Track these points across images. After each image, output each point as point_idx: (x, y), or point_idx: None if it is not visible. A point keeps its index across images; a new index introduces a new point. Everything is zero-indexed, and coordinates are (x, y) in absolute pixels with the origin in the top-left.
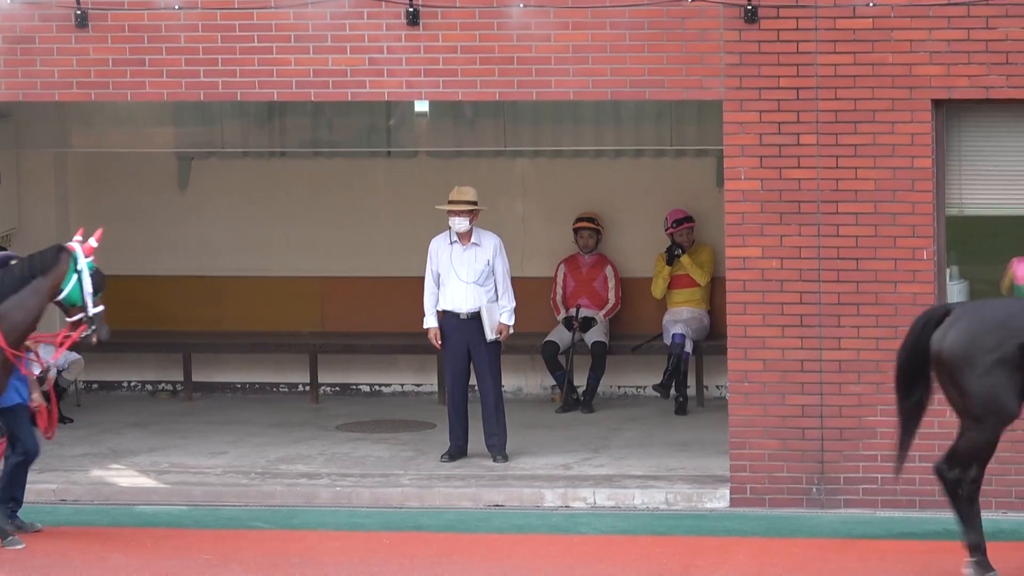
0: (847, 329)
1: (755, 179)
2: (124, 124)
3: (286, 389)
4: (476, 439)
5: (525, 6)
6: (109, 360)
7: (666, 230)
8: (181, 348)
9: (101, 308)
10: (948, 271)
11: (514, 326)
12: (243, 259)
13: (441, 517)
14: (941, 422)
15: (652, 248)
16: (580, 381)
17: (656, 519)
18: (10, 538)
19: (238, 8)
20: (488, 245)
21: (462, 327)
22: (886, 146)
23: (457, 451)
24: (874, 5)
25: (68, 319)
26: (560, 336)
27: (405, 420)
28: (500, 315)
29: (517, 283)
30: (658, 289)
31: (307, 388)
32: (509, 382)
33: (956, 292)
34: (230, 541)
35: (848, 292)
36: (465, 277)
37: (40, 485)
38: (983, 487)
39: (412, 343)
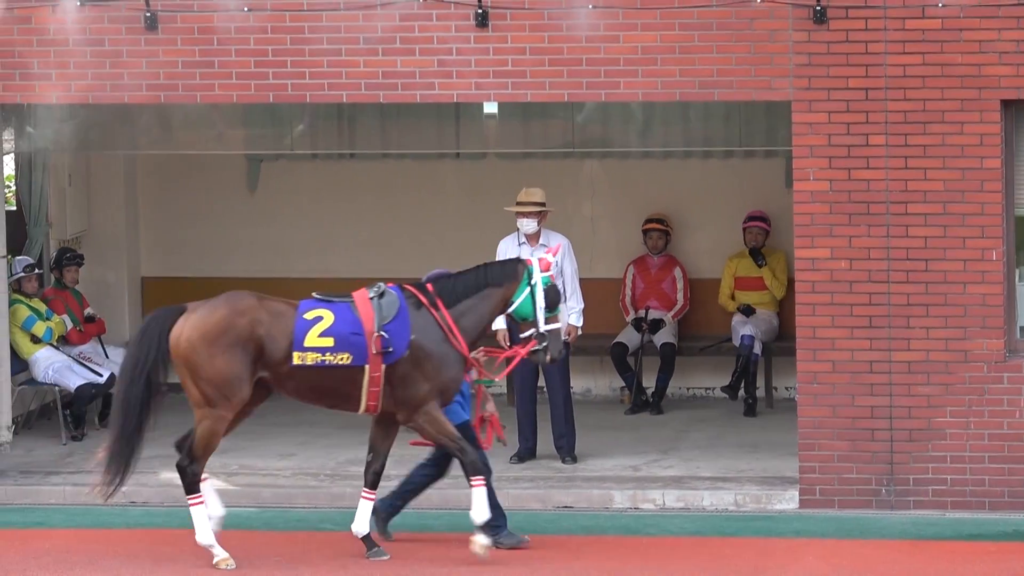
0: (916, 330)
1: (824, 180)
2: (193, 126)
3: None
4: (545, 440)
5: (594, 7)
6: None
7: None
8: None
9: (556, 325)
10: (1017, 271)
11: (583, 327)
12: (312, 261)
13: (510, 518)
14: (1010, 423)
15: (721, 249)
16: (649, 382)
17: (725, 520)
18: (376, 550)
19: (307, 10)
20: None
21: None
22: (955, 147)
23: (526, 452)
24: (943, 6)
25: (520, 334)
26: (629, 337)
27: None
28: (569, 316)
29: (585, 284)
30: (724, 297)
31: None
32: (578, 383)
33: None
34: (300, 543)
35: (917, 293)
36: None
37: None
38: (1020, 488)
39: (481, 344)
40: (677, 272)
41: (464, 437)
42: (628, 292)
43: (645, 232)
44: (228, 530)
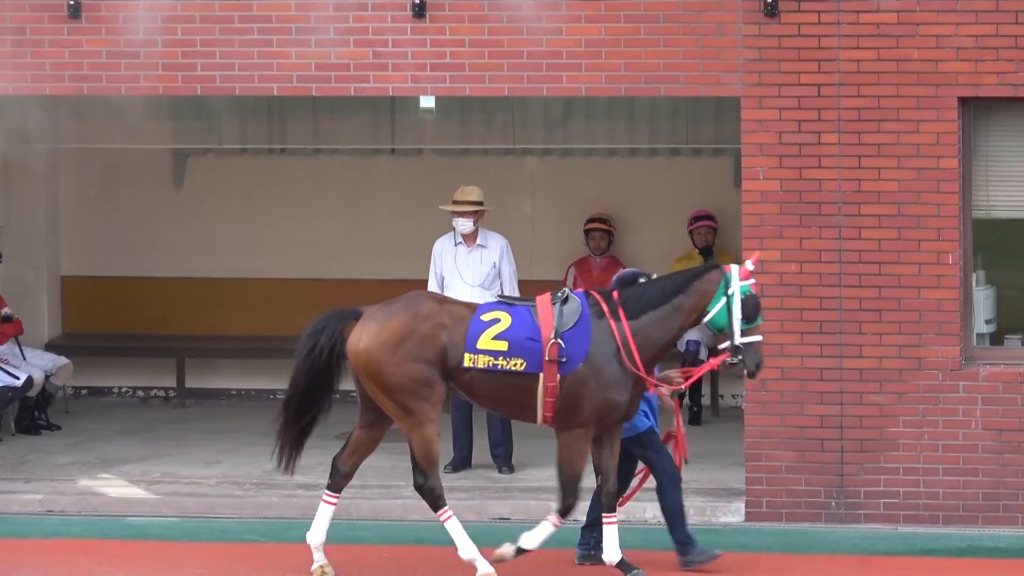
0: (869, 336)
1: (774, 179)
2: (118, 119)
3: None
4: (481, 449)
5: None
6: (99, 365)
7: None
8: (174, 352)
9: (755, 338)
10: (975, 276)
11: None
12: (240, 260)
13: (444, 531)
14: (966, 433)
15: (667, 250)
16: None
17: (668, 534)
18: (635, 571)
19: None
20: (494, 247)
21: None
22: (910, 146)
23: (461, 462)
24: None
25: (718, 345)
26: None
27: None
28: None
29: (525, 286)
30: None
31: None
32: None
33: (982, 298)
34: (224, 555)
35: (870, 298)
36: (470, 280)
37: (25, 496)
38: (974, 502)
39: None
40: None
41: (653, 443)
42: None
43: (587, 232)
44: (148, 540)
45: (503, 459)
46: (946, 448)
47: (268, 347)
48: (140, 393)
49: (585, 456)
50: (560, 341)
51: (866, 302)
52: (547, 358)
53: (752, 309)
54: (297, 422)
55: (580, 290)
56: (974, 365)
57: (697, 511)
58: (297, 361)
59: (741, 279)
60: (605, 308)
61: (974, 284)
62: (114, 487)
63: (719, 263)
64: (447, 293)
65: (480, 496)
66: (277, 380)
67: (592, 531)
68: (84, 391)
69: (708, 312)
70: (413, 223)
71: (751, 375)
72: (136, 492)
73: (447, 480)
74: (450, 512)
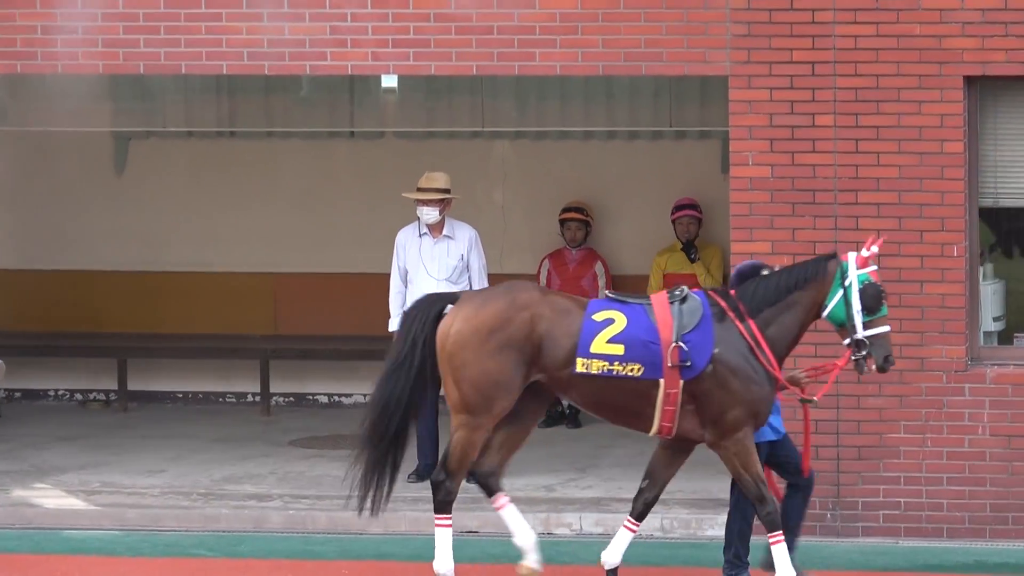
0: None
1: (764, 165)
2: (54, 100)
3: (233, 399)
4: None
5: None
6: (33, 365)
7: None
8: (115, 352)
9: (880, 330)
10: (981, 270)
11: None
12: (186, 252)
13: (407, 544)
14: (972, 440)
15: (648, 242)
16: None
17: (650, 548)
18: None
19: None
20: (462, 238)
21: None
22: (912, 128)
23: (426, 470)
24: None
25: (843, 341)
26: None
27: None
28: None
29: (495, 281)
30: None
31: (257, 398)
32: None
33: (990, 293)
34: (169, 570)
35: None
36: (436, 274)
37: None
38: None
39: (376, 348)
40: (598, 268)
41: (785, 450)
42: None
43: (562, 222)
44: (86, 555)
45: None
46: (951, 455)
47: (217, 347)
48: (78, 396)
49: (754, 456)
50: (683, 344)
51: None
52: (669, 363)
53: (872, 299)
54: (388, 434)
55: (698, 290)
56: (981, 366)
57: (681, 524)
58: (388, 359)
59: (858, 267)
60: (726, 307)
61: (981, 278)
62: (50, 498)
63: (835, 254)
64: (411, 288)
65: None
66: (227, 382)
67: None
68: (17, 394)
69: (827, 307)
70: (374, 212)
71: (881, 370)
72: (74, 503)
73: (411, 490)
74: (449, 522)
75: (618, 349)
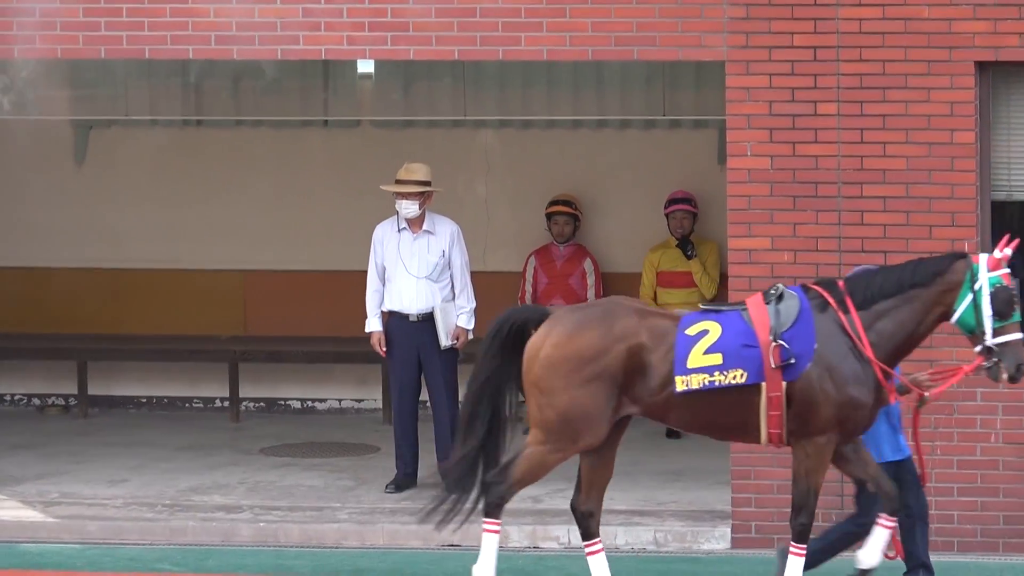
0: None
1: (764, 156)
2: (9, 86)
3: (200, 404)
4: (428, 465)
5: None
6: None
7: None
8: (75, 354)
9: (1012, 337)
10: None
11: (474, 330)
12: (150, 248)
13: (385, 559)
14: (985, 448)
15: (640, 237)
16: None
17: (642, 563)
18: None
19: None
20: (443, 233)
21: (411, 331)
22: (920, 117)
23: (405, 480)
24: None
25: (974, 348)
26: None
27: (343, 443)
28: (457, 317)
29: (478, 279)
30: (644, 297)
31: (226, 403)
32: None
33: None
34: None
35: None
36: (416, 271)
37: None
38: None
39: (352, 350)
40: (587, 265)
41: (903, 472)
42: (529, 288)
43: (549, 216)
44: (44, 571)
45: None
46: (962, 464)
47: (183, 348)
48: (35, 401)
49: (825, 470)
50: (782, 342)
51: None
52: (772, 365)
53: (1005, 304)
54: (473, 445)
55: (796, 285)
56: None
57: (676, 537)
58: (476, 371)
59: (990, 269)
60: (830, 299)
61: None
62: (6, 509)
63: (965, 253)
64: (389, 286)
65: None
66: (193, 387)
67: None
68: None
69: (955, 311)
70: (350, 206)
71: (1012, 380)
72: (31, 515)
73: (389, 501)
74: (497, 528)
75: (716, 359)
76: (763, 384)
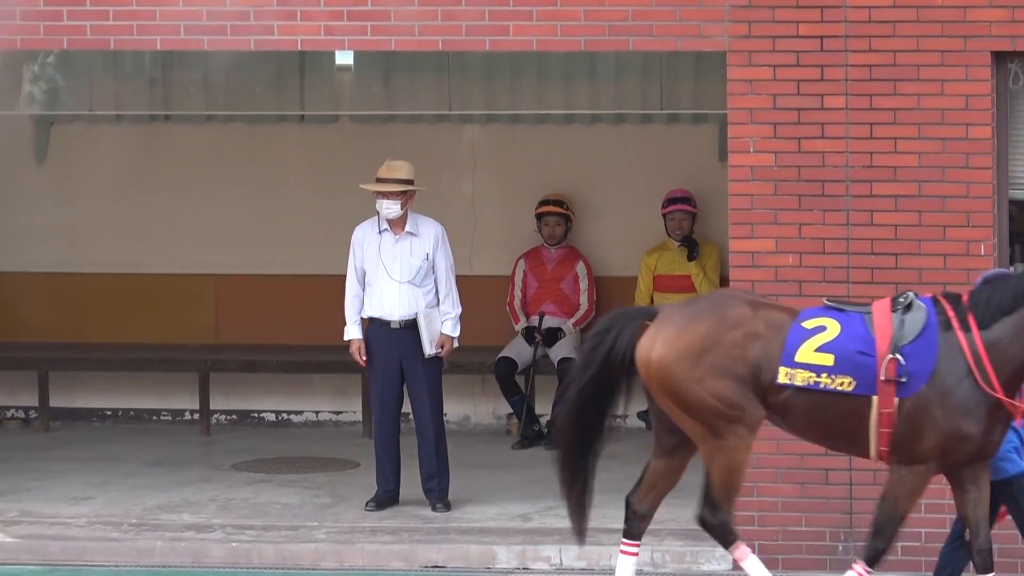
0: None
1: (767, 152)
2: None
3: (169, 417)
4: (411, 482)
5: None
6: None
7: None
8: (35, 364)
9: None
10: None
11: (459, 338)
12: (115, 251)
13: None
14: None
15: (636, 239)
16: (544, 409)
17: None
18: None
19: None
20: (427, 235)
21: (393, 339)
22: (934, 111)
23: (386, 497)
24: None
25: None
26: (519, 351)
27: (320, 458)
28: (442, 324)
29: (464, 283)
30: (641, 302)
31: (196, 416)
32: (453, 410)
33: None
34: None
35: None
36: (398, 276)
37: None
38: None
39: (330, 359)
40: (580, 268)
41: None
42: (518, 293)
43: (539, 217)
44: None
45: (437, 494)
46: None
47: (150, 358)
48: None
49: (917, 498)
50: (899, 357)
51: None
52: (882, 377)
53: None
54: (574, 454)
55: (927, 295)
56: None
57: (674, 558)
58: (575, 373)
59: None
60: (953, 316)
61: None
62: None
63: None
64: (369, 291)
65: (409, 539)
66: (162, 398)
67: None
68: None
69: None
70: (328, 206)
71: None
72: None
73: (369, 520)
74: (745, 547)
75: (827, 359)
76: (874, 398)
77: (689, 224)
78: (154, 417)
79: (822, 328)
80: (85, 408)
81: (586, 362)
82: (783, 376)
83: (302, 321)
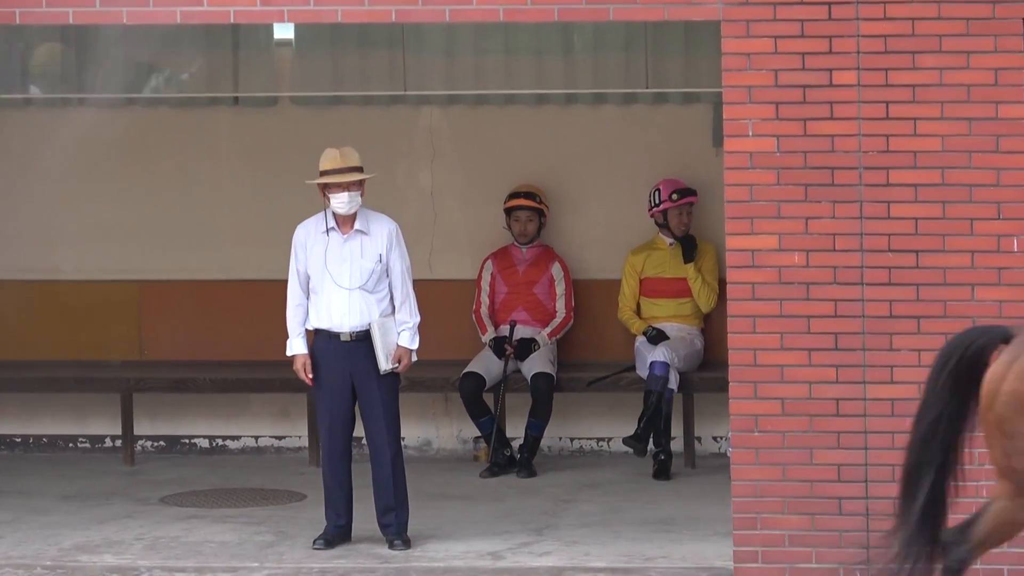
0: (903, 354)
1: (768, 136)
2: None
3: (87, 444)
4: (365, 516)
5: None
6: None
7: (653, 208)
8: None
9: None
10: None
11: (419, 351)
12: (22, 255)
13: None
14: None
15: (620, 237)
16: (516, 432)
17: None
18: None
19: None
20: (379, 234)
21: (343, 354)
22: (958, 87)
23: (336, 533)
24: None
25: None
26: (487, 366)
27: (261, 489)
28: (398, 336)
29: (423, 289)
30: (625, 309)
31: (118, 443)
32: (412, 433)
33: None
34: None
35: (904, 300)
36: (347, 281)
37: None
38: None
39: (271, 377)
40: (556, 270)
41: None
42: (485, 300)
43: (509, 212)
44: None
45: (395, 530)
46: None
47: (65, 376)
48: None
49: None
50: None
51: (899, 306)
52: None
53: None
54: (922, 490)
55: None
56: None
57: None
58: (921, 409)
59: None
60: None
61: None
62: None
63: None
64: (315, 299)
65: None
66: (78, 423)
67: None
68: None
69: None
70: (267, 201)
71: None
72: None
73: (318, 559)
74: None
75: None
76: None
77: (690, 221)
78: (70, 444)
79: None
80: None
81: (929, 393)
82: None
83: (239, 334)
